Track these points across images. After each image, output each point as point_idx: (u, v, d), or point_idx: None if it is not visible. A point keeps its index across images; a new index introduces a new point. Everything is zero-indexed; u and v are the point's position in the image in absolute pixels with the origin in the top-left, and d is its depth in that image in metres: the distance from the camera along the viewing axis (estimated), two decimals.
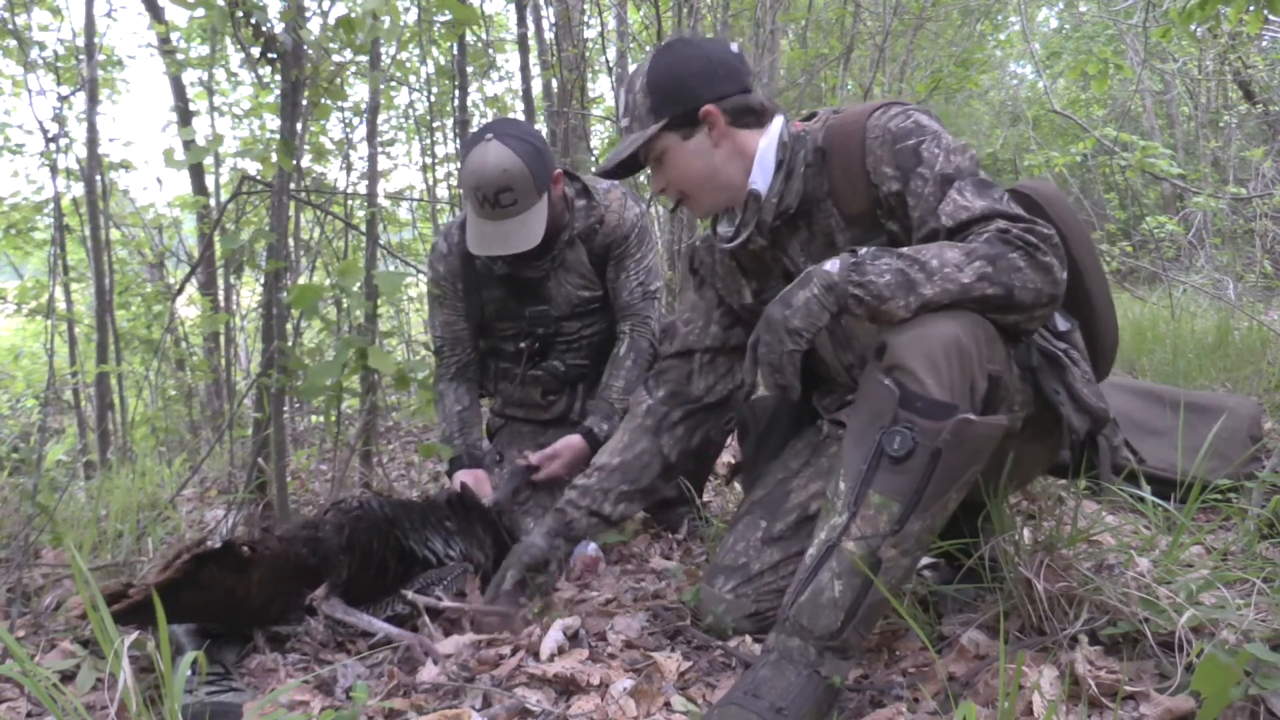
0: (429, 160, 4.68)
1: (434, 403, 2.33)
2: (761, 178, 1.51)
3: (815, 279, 1.31)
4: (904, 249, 1.30)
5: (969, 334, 1.23)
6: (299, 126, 2.26)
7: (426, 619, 1.72)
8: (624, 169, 1.58)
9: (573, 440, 2.18)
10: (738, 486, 2.55)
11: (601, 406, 2.23)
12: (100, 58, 3.93)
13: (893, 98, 1.54)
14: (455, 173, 4.44)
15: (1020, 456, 1.40)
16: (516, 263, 2.18)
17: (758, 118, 1.53)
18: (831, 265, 1.31)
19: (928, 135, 1.39)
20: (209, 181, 4.77)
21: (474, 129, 4.68)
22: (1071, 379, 1.36)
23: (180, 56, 4.50)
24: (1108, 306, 1.54)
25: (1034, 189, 1.55)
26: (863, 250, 1.31)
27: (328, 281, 3.48)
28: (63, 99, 3.84)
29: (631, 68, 5.98)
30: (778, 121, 1.54)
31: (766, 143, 1.51)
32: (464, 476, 2.15)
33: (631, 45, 5.70)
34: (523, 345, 2.29)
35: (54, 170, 3.80)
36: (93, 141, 3.44)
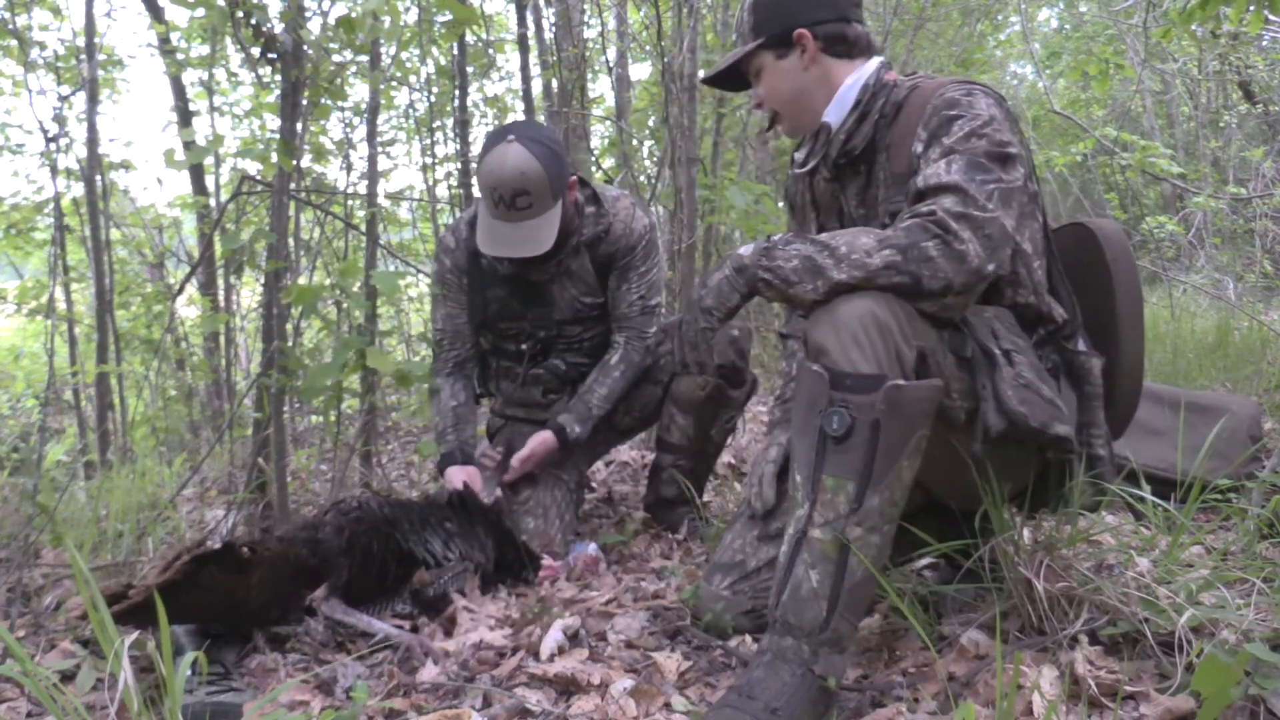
0: (429, 160, 4.68)
1: (429, 396, 2.33)
2: (836, 112, 1.55)
3: (729, 262, 1.38)
4: (822, 235, 1.34)
5: (884, 309, 1.25)
6: (299, 126, 2.26)
7: (426, 619, 1.72)
8: (728, 81, 1.67)
9: (545, 436, 2.19)
10: (738, 486, 2.55)
11: (578, 408, 2.22)
12: (100, 58, 3.93)
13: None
14: (455, 173, 4.44)
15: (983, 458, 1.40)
16: (522, 265, 2.18)
17: (850, 49, 1.57)
18: (747, 249, 1.37)
19: (969, 114, 1.40)
20: (209, 181, 4.77)
21: (474, 129, 4.67)
22: (999, 377, 1.35)
23: (180, 56, 4.49)
24: (1135, 358, 1.54)
25: (1097, 225, 1.57)
26: (777, 236, 1.37)
27: (328, 281, 3.48)
28: (63, 99, 3.84)
29: (632, 68, 5.98)
30: (872, 63, 1.57)
31: (852, 80, 1.55)
32: (456, 473, 2.15)
33: (631, 45, 5.70)
34: (524, 346, 2.29)
35: (54, 170, 3.80)
36: (93, 141, 3.44)
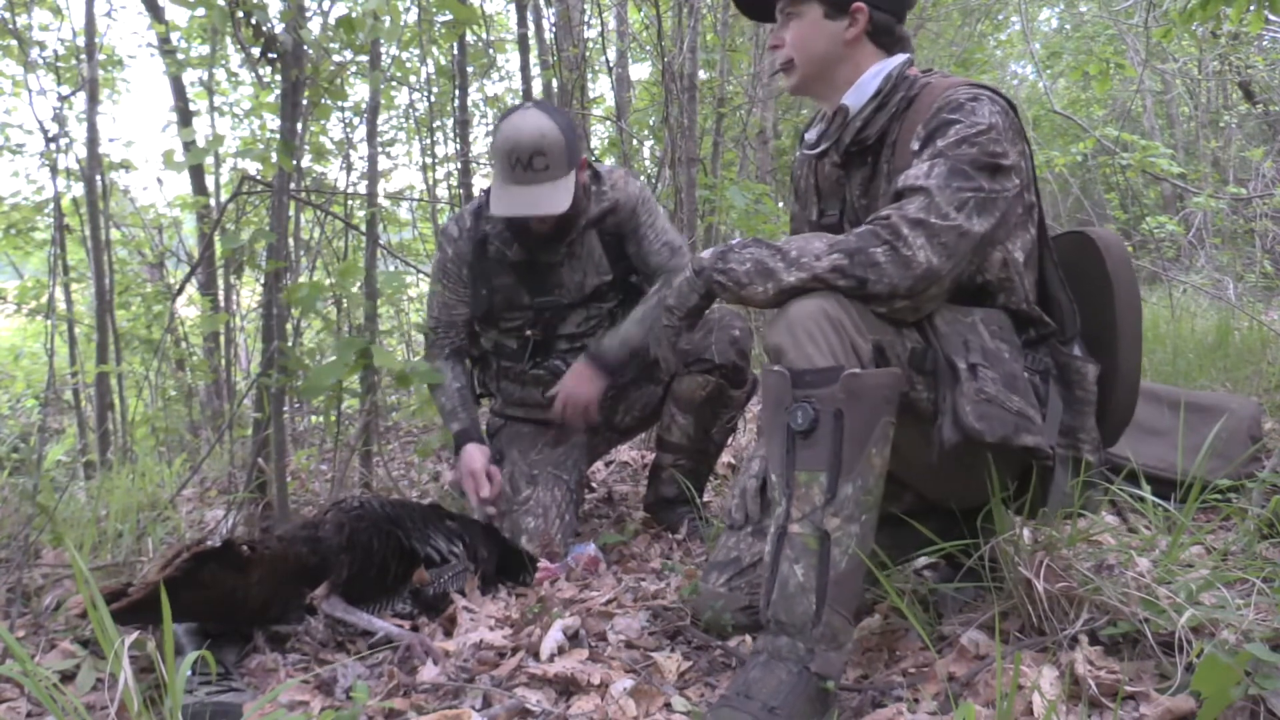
0: (429, 160, 4.68)
1: (430, 390, 2.35)
2: (855, 98, 1.55)
3: (691, 264, 1.43)
4: (777, 240, 1.38)
5: (835, 305, 1.29)
6: (299, 126, 2.26)
7: (427, 618, 1.72)
8: (756, 9, 1.64)
9: (575, 368, 2.23)
10: None
11: (609, 332, 2.26)
12: (100, 58, 3.93)
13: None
14: (455, 173, 4.44)
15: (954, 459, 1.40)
16: (534, 245, 2.19)
17: (890, 42, 1.57)
18: (706, 252, 1.42)
19: (968, 120, 1.40)
20: (209, 181, 4.77)
21: (474, 129, 4.66)
22: (959, 392, 1.35)
23: (180, 56, 4.50)
24: (1132, 368, 1.54)
25: (1098, 235, 1.58)
26: (735, 240, 1.41)
27: (328, 281, 3.47)
28: (63, 99, 3.84)
29: (632, 68, 5.98)
30: (900, 58, 1.57)
31: (877, 68, 1.55)
32: (475, 452, 2.19)
33: (631, 45, 5.70)
34: (529, 333, 2.30)
35: (54, 170, 3.80)
36: (93, 141, 3.44)
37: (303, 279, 3.70)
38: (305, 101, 2.26)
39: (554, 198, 2.03)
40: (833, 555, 1.23)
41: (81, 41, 3.58)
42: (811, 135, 1.66)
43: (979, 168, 1.37)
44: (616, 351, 2.21)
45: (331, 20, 2.32)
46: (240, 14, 2.08)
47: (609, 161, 5.21)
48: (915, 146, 1.43)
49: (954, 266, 1.35)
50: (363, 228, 3.03)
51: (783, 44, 1.59)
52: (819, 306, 1.28)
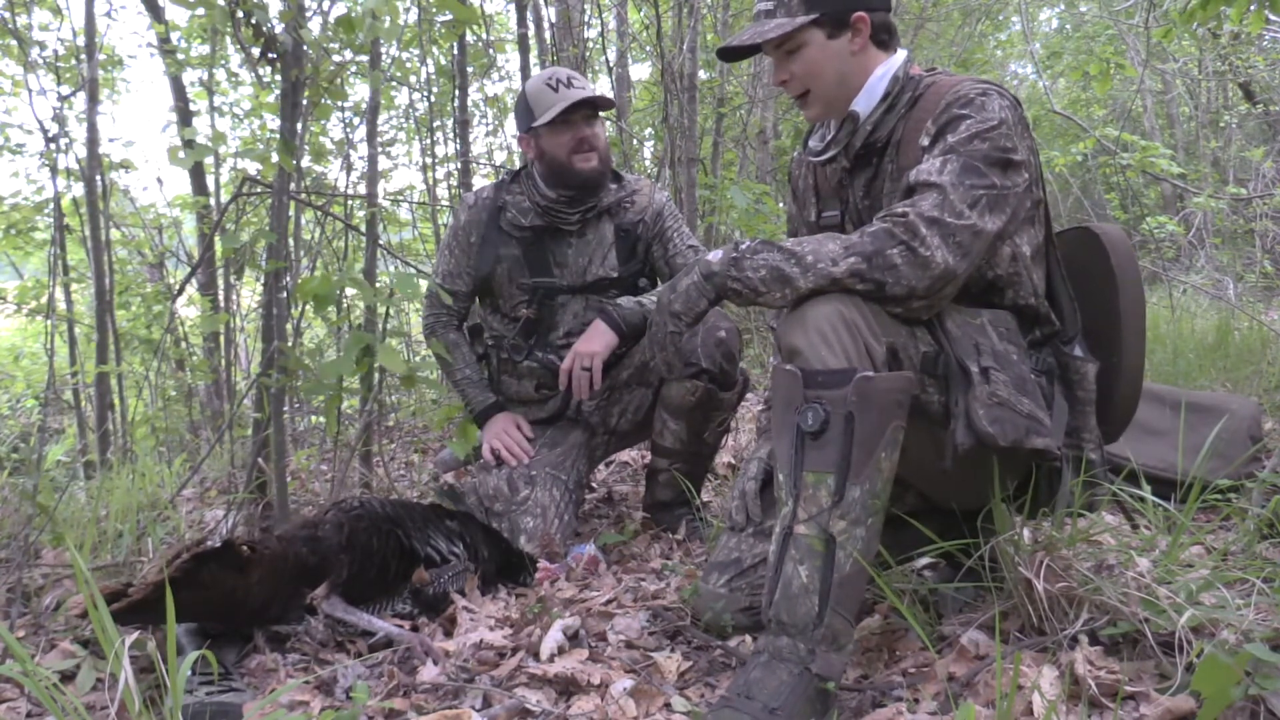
0: (429, 160, 4.68)
1: (438, 354, 2.40)
2: (865, 102, 1.54)
3: (697, 268, 1.41)
4: (788, 241, 1.37)
5: (851, 308, 1.29)
6: (299, 126, 2.26)
7: (427, 619, 1.72)
8: (741, 53, 1.60)
9: (593, 326, 2.24)
10: None
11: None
12: (100, 58, 3.92)
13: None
14: (455, 172, 4.44)
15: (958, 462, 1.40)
16: (580, 183, 2.24)
17: (890, 39, 1.56)
18: (714, 255, 1.41)
19: (979, 115, 1.40)
20: (209, 181, 4.77)
21: (474, 129, 4.65)
22: (972, 396, 1.35)
23: (180, 56, 4.50)
24: (1136, 363, 1.54)
25: (1103, 230, 1.59)
26: (744, 244, 1.39)
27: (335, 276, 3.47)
28: (63, 99, 3.84)
29: (632, 68, 5.98)
30: (901, 55, 1.56)
31: (883, 71, 1.54)
32: (505, 423, 2.31)
33: (631, 45, 5.70)
34: (525, 312, 2.32)
35: (54, 170, 3.80)
36: (93, 141, 3.44)
37: (303, 279, 3.70)
38: (305, 101, 2.26)
39: (595, 91, 2.20)
40: (838, 558, 1.23)
41: (81, 41, 3.58)
42: (816, 142, 1.65)
43: (991, 163, 1.37)
44: (631, 313, 2.23)
45: (331, 20, 2.32)
46: (240, 14, 2.08)
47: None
48: (925, 142, 1.43)
49: (969, 265, 1.35)
50: (363, 228, 3.03)
51: (790, 78, 1.56)
52: (836, 309, 1.28)
